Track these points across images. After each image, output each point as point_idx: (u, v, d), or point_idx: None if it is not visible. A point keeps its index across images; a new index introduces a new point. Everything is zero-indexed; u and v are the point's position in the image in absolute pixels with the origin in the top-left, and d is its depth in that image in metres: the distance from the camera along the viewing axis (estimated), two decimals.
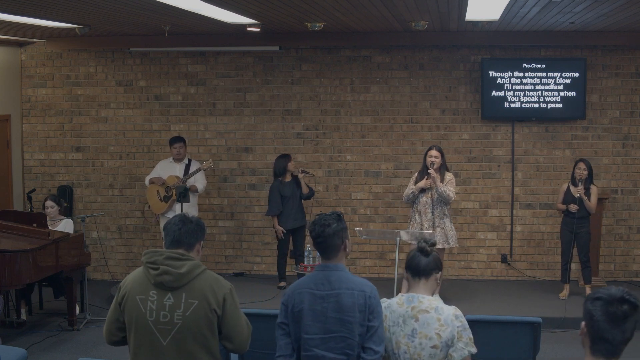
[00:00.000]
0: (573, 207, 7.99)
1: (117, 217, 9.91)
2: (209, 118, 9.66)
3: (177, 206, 8.54)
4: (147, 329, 3.40)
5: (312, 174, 8.83)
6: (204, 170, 8.77)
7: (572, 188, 8.09)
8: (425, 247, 3.50)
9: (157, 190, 8.77)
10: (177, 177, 8.71)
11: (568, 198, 8.11)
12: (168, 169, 8.84)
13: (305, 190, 8.64)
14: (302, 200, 8.75)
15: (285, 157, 8.73)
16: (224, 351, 3.96)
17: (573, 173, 8.13)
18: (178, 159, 8.86)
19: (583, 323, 2.44)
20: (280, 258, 8.82)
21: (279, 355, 3.59)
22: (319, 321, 3.51)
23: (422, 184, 7.64)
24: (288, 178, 8.65)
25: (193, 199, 8.82)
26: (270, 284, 8.95)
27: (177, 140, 8.91)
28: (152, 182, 8.80)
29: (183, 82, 9.68)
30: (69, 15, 7.19)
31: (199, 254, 3.60)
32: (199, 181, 8.78)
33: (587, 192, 8.01)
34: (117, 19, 7.56)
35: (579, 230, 8.05)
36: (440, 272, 3.54)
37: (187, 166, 8.85)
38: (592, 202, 8.02)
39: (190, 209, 8.59)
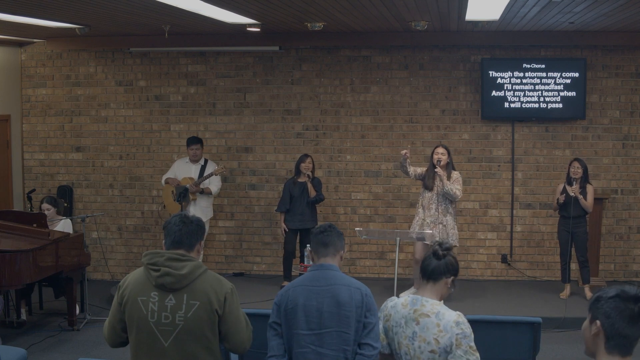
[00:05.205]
0: (571, 190, 7.97)
1: (117, 217, 9.91)
2: (209, 118, 9.66)
3: (191, 208, 8.55)
4: (148, 330, 3.40)
5: (309, 175, 8.49)
6: (216, 175, 8.70)
7: (567, 188, 8.10)
8: (438, 251, 3.45)
9: (172, 191, 8.75)
10: (191, 178, 8.69)
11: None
12: (184, 170, 8.83)
13: (311, 194, 8.44)
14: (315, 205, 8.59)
15: (302, 157, 8.61)
16: (224, 351, 3.96)
17: (568, 173, 8.16)
18: (194, 160, 8.85)
19: (598, 322, 2.41)
20: (285, 257, 8.71)
21: (270, 356, 3.58)
22: (314, 317, 3.53)
23: (420, 170, 7.97)
24: (303, 178, 8.51)
25: (208, 200, 8.82)
26: (271, 284, 8.94)
27: (194, 141, 8.86)
28: (167, 182, 8.79)
29: (183, 82, 9.68)
30: (69, 15, 7.19)
31: (199, 254, 3.61)
32: (213, 183, 8.75)
33: (583, 191, 8.03)
34: (117, 19, 7.55)
35: (575, 229, 8.07)
36: (452, 277, 3.47)
37: (203, 167, 8.82)
38: (588, 201, 8.05)
39: (205, 210, 8.64)
